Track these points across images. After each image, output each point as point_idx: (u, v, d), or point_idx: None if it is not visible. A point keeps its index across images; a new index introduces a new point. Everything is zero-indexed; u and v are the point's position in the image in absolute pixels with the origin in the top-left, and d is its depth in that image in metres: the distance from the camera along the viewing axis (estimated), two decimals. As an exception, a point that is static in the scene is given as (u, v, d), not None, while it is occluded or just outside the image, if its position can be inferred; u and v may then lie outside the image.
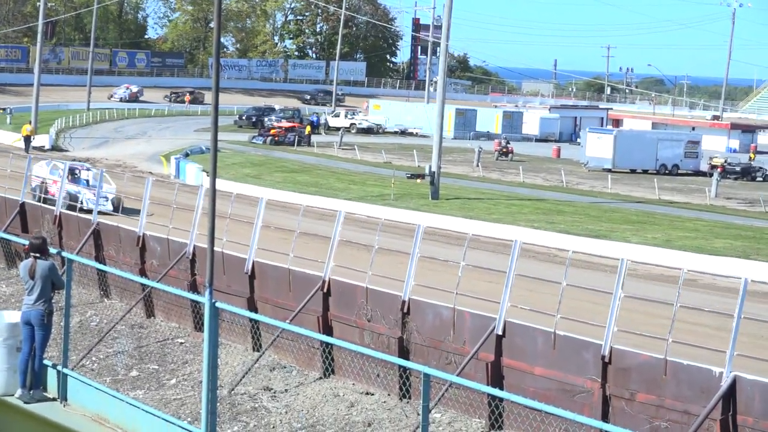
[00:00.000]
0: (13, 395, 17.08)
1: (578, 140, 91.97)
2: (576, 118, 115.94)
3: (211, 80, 14.50)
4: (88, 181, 39.31)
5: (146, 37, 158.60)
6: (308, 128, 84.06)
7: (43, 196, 33.10)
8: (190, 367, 21.06)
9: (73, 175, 38.06)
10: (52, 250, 18.23)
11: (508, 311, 18.63)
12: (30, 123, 69.42)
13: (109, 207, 33.49)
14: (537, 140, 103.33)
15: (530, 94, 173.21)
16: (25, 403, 16.88)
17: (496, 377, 18.56)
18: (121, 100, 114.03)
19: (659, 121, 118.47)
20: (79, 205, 32.87)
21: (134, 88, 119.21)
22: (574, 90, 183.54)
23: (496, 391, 13.97)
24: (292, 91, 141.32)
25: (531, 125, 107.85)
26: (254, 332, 22.05)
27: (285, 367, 21.03)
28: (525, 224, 41.31)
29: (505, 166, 72.97)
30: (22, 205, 30.34)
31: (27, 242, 18.01)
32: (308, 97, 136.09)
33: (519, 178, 63.14)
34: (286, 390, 19.84)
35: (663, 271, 28.60)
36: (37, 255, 16.96)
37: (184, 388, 19.87)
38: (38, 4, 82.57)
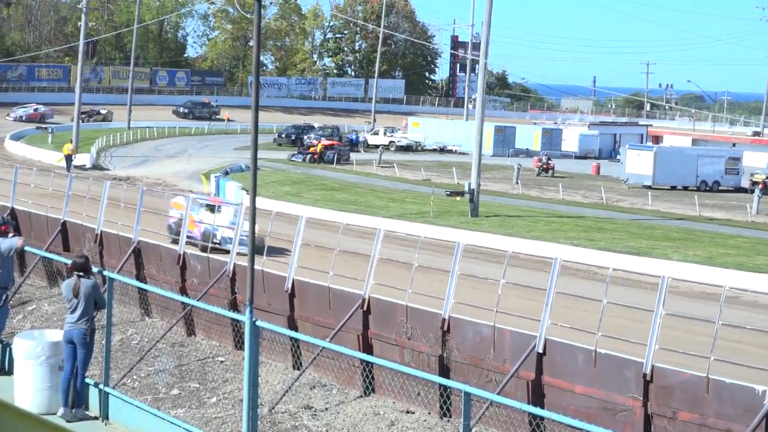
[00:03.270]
0: (55, 414, 17.17)
1: (618, 157, 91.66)
2: (615, 134, 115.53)
3: (251, 98, 14.58)
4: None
5: (186, 55, 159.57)
6: (320, 146, 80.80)
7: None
8: (231, 385, 21.09)
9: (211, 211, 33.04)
10: (94, 269, 18.34)
11: (549, 329, 18.56)
12: (71, 142, 69.81)
13: None
14: (576, 157, 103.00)
15: (569, 111, 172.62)
16: (68, 421, 16.96)
17: (536, 395, 18.48)
18: (16, 120, 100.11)
19: (699, 137, 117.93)
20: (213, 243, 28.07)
21: (42, 108, 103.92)
22: (614, 107, 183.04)
23: (537, 410, 13.93)
24: (331, 109, 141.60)
25: (570, 142, 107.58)
26: (294, 350, 22.05)
27: (325, 386, 21.02)
28: (565, 241, 41.15)
29: (545, 183, 72.77)
30: (64, 223, 30.51)
31: (70, 261, 18.14)
32: (185, 110, 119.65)
33: (558, 196, 62.92)
34: (326, 408, 19.83)
35: (704, 289, 28.46)
36: (81, 274, 17.06)
37: (225, 407, 19.89)
38: (79, 23, 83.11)
